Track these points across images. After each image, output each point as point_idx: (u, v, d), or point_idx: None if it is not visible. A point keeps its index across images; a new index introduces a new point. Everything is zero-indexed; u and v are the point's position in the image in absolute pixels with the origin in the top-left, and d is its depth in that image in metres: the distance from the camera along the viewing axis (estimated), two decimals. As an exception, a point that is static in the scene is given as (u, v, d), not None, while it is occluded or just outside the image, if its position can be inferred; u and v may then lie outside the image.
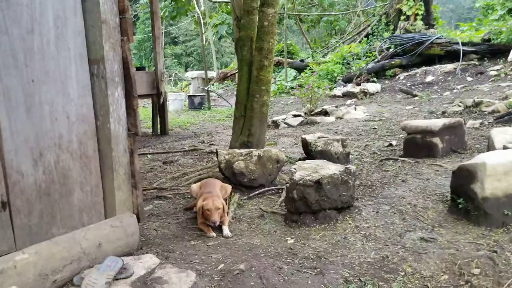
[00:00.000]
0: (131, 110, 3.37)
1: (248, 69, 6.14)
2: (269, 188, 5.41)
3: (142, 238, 4.13)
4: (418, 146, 6.11)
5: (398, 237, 3.83)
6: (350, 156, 6.50)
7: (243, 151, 5.50)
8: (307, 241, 3.88)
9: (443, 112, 8.84)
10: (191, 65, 43.20)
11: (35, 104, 2.90)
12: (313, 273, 3.20)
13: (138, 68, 9.90)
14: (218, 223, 4.23)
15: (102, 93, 3.22)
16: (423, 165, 5.68)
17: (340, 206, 4.36)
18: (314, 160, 4.87)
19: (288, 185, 4.41)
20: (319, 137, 6.35)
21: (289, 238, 4.01)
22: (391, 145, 7.08)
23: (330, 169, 4.41)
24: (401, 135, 7.66)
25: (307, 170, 4.44)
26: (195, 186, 4.99)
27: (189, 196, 5.44)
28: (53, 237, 3.07)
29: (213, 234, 4.21)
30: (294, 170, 4.45)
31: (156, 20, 9.18)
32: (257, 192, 5.30)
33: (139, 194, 3.47)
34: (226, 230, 4.27)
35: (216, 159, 5.76)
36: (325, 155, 6.10)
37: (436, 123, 6.02)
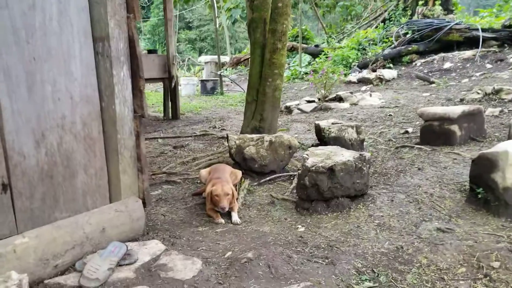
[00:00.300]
0: (137, 91, 3.24)
1: (261, 52, 5.98)
2: (280, 174, 5.27)
3: (149, 223, 4.04)
4: (435, 133, 5.93)
5: (413, 227, 3.68)
6: (365, 143, 6.33)
7: (254, 136, 5.36)
8: (319, 230, 3.75)
9: (461, 100, 8.60)
10: (205, 50, 42.99)
11: (37, 83, 2.79)
12: (324, 262, 3.07)
13: (149, 51, 9.78)
14: (227, 209, 4.11)
15: (107, 72, 3.10)
16: (440, 153, 5.49)
17: (354, 194, 4.21)
18: (327, 147, 4.72)
19: (300, 171, 4.27)
20: (333, 123, 6.18)
21: (299, 226, 3.88)
22: (407, 132, 6.89)
23: (344, 155, 4.25)
24: (417, 123, 7.46)
25: (320, 157, 4.29)
26: (204, 172, 4.87)
27: (199, 182, 5.33)
28: (56, 221, 2.98)
29: (222, 220, 4.09)
30: (307, 156, 4.30)
31: (168, 1, 9.05)
32: (268, 178, 5.17)
33: (145, 178, 3.36)
34: (235, 217, 4.15)
35: (227, 144, 5.64)
36: (338, 141, 5.94)
37: (455, 110, 5.81)
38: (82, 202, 3.13)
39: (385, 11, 18.42)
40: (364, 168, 4.23)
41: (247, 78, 6.91)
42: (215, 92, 14.97)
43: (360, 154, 4.27)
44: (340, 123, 6.17)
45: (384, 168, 5.23)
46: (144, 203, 3.36)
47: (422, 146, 5.85)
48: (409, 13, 16.76)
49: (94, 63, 3.09)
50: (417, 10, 16.10)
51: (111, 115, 3.16)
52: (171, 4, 9.20)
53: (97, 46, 3.09)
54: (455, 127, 5.82)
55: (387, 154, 5.86)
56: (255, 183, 5.10)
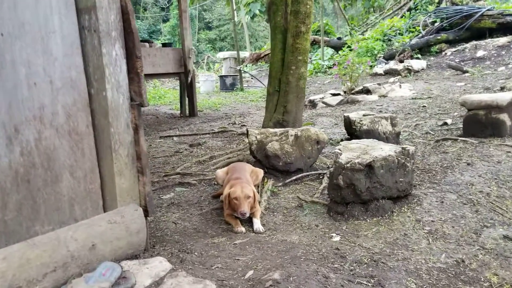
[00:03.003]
0: (134, 75, 2.65)
1: (283, 37, 5.35)
2: (307, 173, 4.63)
3: (157, 234, 3.47)
4: (481, 124, 5.23)
5: (473, 235, 3.03)
6: (400, 137, 5.65)
7: (278, 130, 4.74)
8: (357, 239, 3.11)
9: (502, 88, 7.83)
10: (225, 49, 42.51)
11: (6, 65, 2.22)
12: (369, 284, 2.44)
13: (164, 45, 9.25)
14: (248, 214, 3.50)
15: (95, 51, 2.51)
16: (489, 146, 4.80)
17: (396, 195, 3.56)
18: (362, 140, 4.07)
19: (332, 169, 3.63)
20: (364, 115, 5.52)
21: (334, 235, 3.25)
22: (445, 124, 6.19)
23: (384, 149, 3.60)
24: (455, 113, 6.75)
25: (355, 151, 3.65)
26: (221, 172, 4.28)
27: (215, 183, 4.74)
28: (37, 235, 2.41)
29: (242, 229, 3.47)
30: (339, 152, 3.66)
31: (182, -9, 8.48)
32: (294, 177, 4.54)
33: (146, 181, 2.76)
34: (257, 224, 3.53)
35: (247, 141, 5.02)
36: (371, 135, 5.28)
37: (504, 96, 5.11)
38: (68, 211, 2.55)
39: (410, 0, 17.55)
40: (408, 164, 3.57)
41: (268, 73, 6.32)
42: (234, 88, 14.35)
43: (402, 148, 3.62)
44: (373, 115, 5.51)
45: (427, 164, 4.55)
46: (146, 212, 2.77)
47: (467, 139, 5.16)
48: (436, 1, 15.88)
49: (79, 40, 2.51)
50: (445, -3, 15.26)
51: (101, 104, 2.57)
52: (186, -6, 8.64)
53: (82, 19, 2.50)
54: (504, 116, 5.13)
55: (427, 148, 5.18)
56: (280, 184, 4.48)
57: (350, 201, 3.53)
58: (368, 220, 3.44)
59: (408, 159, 3.57)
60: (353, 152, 3.64)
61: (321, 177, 4.58)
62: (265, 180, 4.46)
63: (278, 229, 3.50)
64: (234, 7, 14.76)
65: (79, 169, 2.57)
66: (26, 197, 2.38)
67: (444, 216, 3.34)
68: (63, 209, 2.53)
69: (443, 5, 15.05)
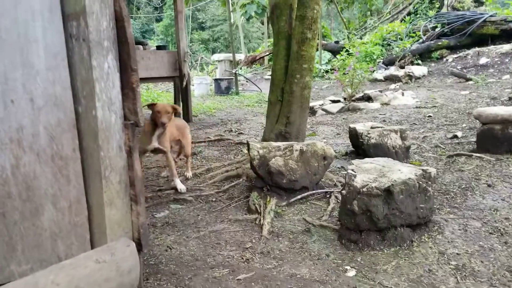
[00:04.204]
0: (128, 90, 2.30)
1: (287, 44, 5.01)
2: (313, 191, 4.30)
3: (151, 261, 3.12)
4: (497, 139, 4.93)
5: (506, 273, 2.71)
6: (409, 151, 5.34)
7: (281, 144, 4.40)
8: (376, 275, 2.78)
9: (510, 99, 7.56)
10: (218, 50, 42.15)
11: (-23, 79, 1.87)
12: (398, 338, 2.10)
13: (158, 48, 8.87)
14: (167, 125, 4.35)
15: (84, 64, 2.16)
16: (509, 164, 4.50)
17: (416, 222, 3.23)
18: (377, 159, 3.74)
19: (345, 192, 3.30)
20: (372, 127, 5.21)
21: (348, 268, 2.92)
22: (456, 137, 5.89)
23: (402, 172, 3.28)
24: (464, 125, 6.46)
25: (371, 173, 3.32)
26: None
27: (214, 200, 4.41)
28: (13, 276, 2.06)
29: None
30: (353, 173, 3.33)
31: (178, -8, 8.12)
32: (299, 196, 4.20)
33: (140, 210, 2.41)
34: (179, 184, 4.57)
35: (245, 151, 4.69)
36: (380, 148, 4.98)
37: (521, 110, 4.81)
38: (50, 248, 2.20)
39: (410, 4, 17.28)
40: (429, 189, 3.25)
41: (264, 77, 6.00)
42: (229, 92, 13.98)
43: (423, 170, 3.30)
44: (381, 127, 5.19)
45: (443, 184, 4.23)
46: (139, 245, 2.42)
47: (482, 155, 4.86)
48: (437, 6, 15.63)
49: (65, 51, 2.16)
50: (445, 2, 15.00)
51: (90, 124, 2.22)
52: (182, -6, 8.27)
53: (70, 26, 2.15)
54: (522, 132, 4.83)
55: (440, 165, 4.87)
56: (284, 203, 4.14)
57: (365, 228, 3.20)
58: (385, 251, 3.11)
59: (429, 183, 3.25)
60: (368, 173, 3.31)
61: (328, 196, 4.25)
62: (268, 199, 4.12)
63: (285, 258, 3.16)
64: (231, 9, 14.39)
65: (63, 199, 2.22)
66: (0, 232, 2.03)
67: (470, 248, 3.02)
68: (44, 246, 2.18)
69: (443, 10, 14.80)
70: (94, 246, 2.35)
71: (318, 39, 16.00)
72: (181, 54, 8.36)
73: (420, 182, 3.19)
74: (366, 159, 3.76)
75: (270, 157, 4.24)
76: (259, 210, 3.97)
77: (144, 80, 8.26)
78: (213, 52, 42.37)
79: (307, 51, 4.84)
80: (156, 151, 4.60)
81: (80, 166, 2.27)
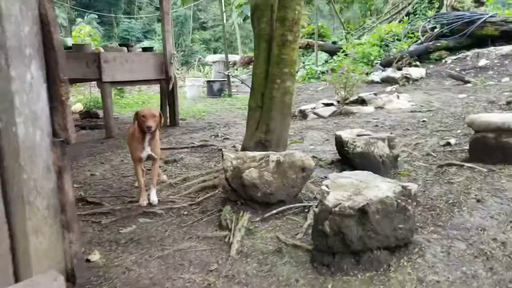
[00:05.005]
0: (58, 103, 2.04)
1: (267, 46, 4.72)
2: (291, 205, 4.01)
3: (104, 285, 2.84)
4: (490, 148, 4.64)
5: (490, 305, 2.42)
6: (399, 158, 5.05)
7: (257, 154, 4.12)
8: (346, 306, 2.50)
9: (508, 103, 7.26)
10: (219, 50, 41.96)
11: None
12: None
13: (144, 50, 8.60)
14: (153, 129, 4.19)
15: (1, 74, 1.89)
16: (501, 176, 4.21)
17: (394, 244, 2.95)
18: (355, 173, 3.46)
19: (317, 211, 3.02)
20: (358, 135, 4.92)
21: (318, 296, 2.64)
22: (449, 144, 5.60)
23: (380, 188, 2.99)
24: (459, 131, 6.18)
25: (346, 190, 3.04)
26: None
27: (186, 213, 4.14)
28: None
29: (145, 202, 4.31)
30: (327, 189, 3.05)
31: (165, -8, 7.86)
32: (274, 211, 3.91)
33: (74, 238, 2.14)
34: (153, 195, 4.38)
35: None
36: (366, 158, 4.70)
37: (517, 118, 4.52)
38: (-37, 284, 1.93)
39: (409, 4, 16.95)
40: (409, 207, 2.97)
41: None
42: (222, 94, 13.70)
43: (403, 187, 3.01)
44: (368, 135, 4.91)
45: (430, 198, 3.95)
46: (73, 277, 2.14)
47: (474, 165, 4.58)
48: (436, 6, 15.31)
49: (-23, 59, 1.88)
50: (445, 2, 14.68)
51: (11, 143, 1.95)
52: (169, -5, 8.01)
53: (-18, 31, 1.88)
54: (516, 141, 4.54)
55: (429, 175, 4.58)
56: (258, 219, 3.85)
57: (338, 251, 2.92)
58: (360, 276, 2.83)
59: (409, 201, 2.97)
60: (343, 190, 3.03)
61: (306, 210, 3.96)
62: (241, 214, 3.84)
63: (250, 283, 2.88)
64: (224, 9, 14.11)
65: (-22, 228, 1.95)
66: None
67: (451, 274, 2.74)
68: (-46, 282, 1.91)
69: (443, 10, 14.49)
70: (19, 280, 2.08)
71: (314, 39, 15.72)
72: (167, 56, 8.08)
73: (399, 201, 2.91)
74: (345, 173, 3.48)
75: (244, 168, 3.96)
76: (229, 227, 3.69)
77: (128, 83, 8.02)
78: (215, 52, 42.19)
79: (288, 54, 4.55)
80: (148, 158, 4.42)
81: (0, 189, 1.99)
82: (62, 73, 2.00)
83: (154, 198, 4.36)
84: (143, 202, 4.29)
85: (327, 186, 3.13)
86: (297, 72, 15.40)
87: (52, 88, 2.01)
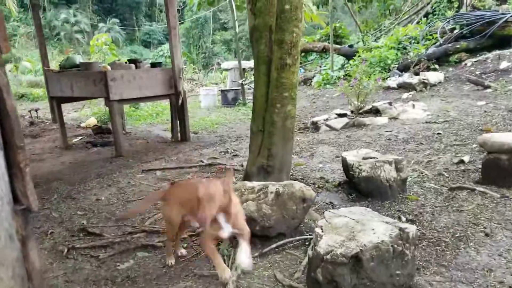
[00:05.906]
0: (16, 170, 1.93)
1: (267, 69, 4.59)
2: (291, 238, 3.87)
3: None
4: (503, 171, 4.42)
5: None
6: (408, 179, 4.85)
7: (256, 185, 3.98)
8: None
9: (529, 111, 6.96)
10: (240, 51, 41.94)
11: None
12: None
13: (153, 65, 8.53)
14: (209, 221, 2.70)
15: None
16: (514, 203, 3.98)
17: (392, 291, 2.78)
18: (353, 210, 3.29)
19: (310, 255, 2.87)
20: (364, 158, 4.74)
21: None
22: (462, 162, 5.36)
23: (376, 231, 2.83)
24: (474, 145, 5.92)
25: (340, 233, 2.88)
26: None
27: (185, 246, 4.03)
28: None
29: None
30: (320, 233, 2.90)
31: (171, 7, 7.82)
32: (273, 245, 3.77)
33: (41, 308, 2.04)
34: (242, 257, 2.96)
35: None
36: (372, 182, 4.53)
37: (531, 139, 4.28)
38: None
39: (428, 4, 16.53)
40: (408, 252, 2.79)
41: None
42: (236, 103, 13.59)
43: (400, 229, 2.84)
44: (374, 158, 4.71)
45: (436, 230, 3.75)
46: None
47: (487, 189, 4.36)
48: (455, 6, 14.88)
49: None
50: (465, 1, 14.26)
51: (-34, 215, 1.85)
52: (175, 10, 7.91)
53: None
54: (532, 163, 4.30)
55: (439, 201, 4.37)
56: (256, 254, 3.71)
57: (332, 299, 2.76)
58: (355, 328, 2.67)
59: (407, 245, 2.79)
60: (337, 234, 2.87)
61: (307, 243, 3.81)
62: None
63: (240, 334, 2.76)
64: (240, 13, 13.97)
65: None
66: None
67: (453, 328, 2.56)
68: None
69: (463, 10, 14.08)
70: None
71: (330, 43, 15.41)
72: (176, 71, 8.01)
73: (396, 245, 2.74)
74: (342, 210, 3.32)
75: (242, 201, 3.83)
76: (227, 263, 3.57)
77: (136, 100, 7.96)
78: (235, 53, 42.16)
79: (287, 78, 4.41)
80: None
81: (-42, 263, 1.91)
82: (19, 140, 1.90)
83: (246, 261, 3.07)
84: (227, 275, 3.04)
85: (321, 228, 2.97)
86: (313, 77, 15.23)
87: (9, 155, 1.92)
